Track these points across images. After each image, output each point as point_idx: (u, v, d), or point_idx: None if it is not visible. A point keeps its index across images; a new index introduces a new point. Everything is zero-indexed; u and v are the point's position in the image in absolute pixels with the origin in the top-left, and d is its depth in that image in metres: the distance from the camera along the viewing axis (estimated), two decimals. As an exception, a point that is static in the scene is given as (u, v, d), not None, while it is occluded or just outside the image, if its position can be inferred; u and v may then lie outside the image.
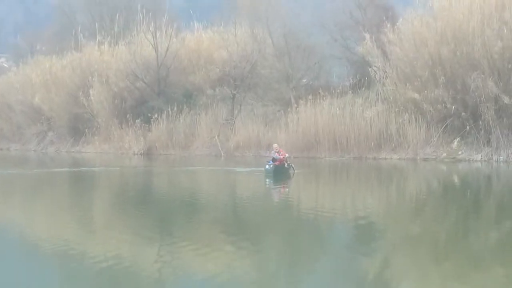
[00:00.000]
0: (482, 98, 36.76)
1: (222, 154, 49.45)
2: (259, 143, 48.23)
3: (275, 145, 32.13)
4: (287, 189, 27.01)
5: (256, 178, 31.92)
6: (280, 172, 29.87)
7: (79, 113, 60.81)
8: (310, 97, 45.54)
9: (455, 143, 38.83)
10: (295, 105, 46.52)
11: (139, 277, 11.12)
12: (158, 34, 56.98)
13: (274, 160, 30.37)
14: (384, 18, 44.22)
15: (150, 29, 57.29)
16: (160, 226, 17.04)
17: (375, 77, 44.05)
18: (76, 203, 23.24)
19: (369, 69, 44.46)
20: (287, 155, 31.07)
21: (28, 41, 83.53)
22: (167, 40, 56.63)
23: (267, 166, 30.79)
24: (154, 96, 56.11)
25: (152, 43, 56.69)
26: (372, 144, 41.86)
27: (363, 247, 13.95)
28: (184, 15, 68.90)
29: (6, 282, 10.83)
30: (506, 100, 36.16)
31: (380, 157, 41.23)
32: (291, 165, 30.48)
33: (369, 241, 14.53)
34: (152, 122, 54.32)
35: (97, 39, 63.18)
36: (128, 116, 55.91)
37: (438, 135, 39.47)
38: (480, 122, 37.36)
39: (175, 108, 53.36)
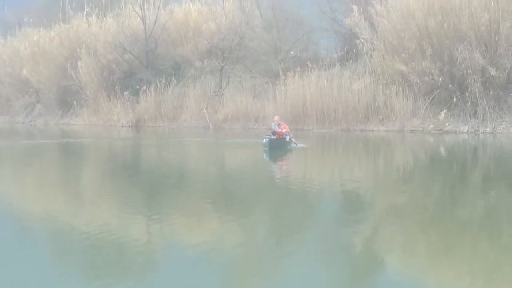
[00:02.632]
0: (469, 70, 36.86)
1: (211, 126, 49.53)
2: (247, 115, 48.34)
3: (276, 117, 30.64)
4: (278, 162, 26.84)
5: (245, 150, 32.01)
6: (275, 146, 28.52)
7: (67, 85, 60.75)
8: (298, 69, 45.63)
9: (442, 115, 38.99)
10: (283, 77, 46.57)
11: (128, 248, 11.14)
12: (146, 6, 56.83)
13: (274, 133, 29.23)
14: (372, -11, 44.24)
15: (138, 1, 57.12)
16: (148, 197, 17.10)
17: (362, 49, 43.99)
18: (64, 175, 23.27)
19: (357, 41, 44.40)
20: (287, 129, 29.77)
21: (15, 13, 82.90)
22: (155, 12, 56.53)
23: (264, 140, 29.47)
24: (142, 68, 56.06)
25: (140, 15, 56.55)
26: (360, 116, 42.00)
27: (351, 217, 14.05)
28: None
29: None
30: (492, 72, 36.29)
31: (367, 129, 41.37)
32: (292, 139, 29.44)
33: (357, 212, 14.65)
34: (140, 94, 54.31)
35: (85, 11, 62.99)
36: (116, 88, 55.89)
37: (425, 107, 39.62)
38: (467, 94, 37.52)
39: (163, 80, 53.34)
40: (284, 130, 29.51)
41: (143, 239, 11.93)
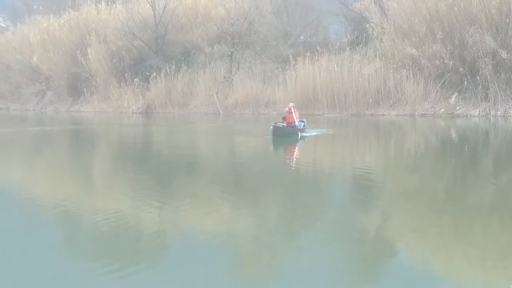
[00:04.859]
0: (479, 53, 36.72)
1: (221, 112, 49.54)
2: (257, 101, 48.30)
3: (291, 104, 29.45)
4: (288, 148, 26.56)
5: (256, 136, 31.88)
6: (280, 134, 27.26)
7: (77, 73, 60.86)
8: (308, 54, 45.58)
9: (453, 98, 38.88)
10: (293, 62, 46.54)
11: (139, 235, 11.11)
12: (155, -8, 56.83)
13: (284, 119, 28.37)
14: (382, -27, 44.05)
15: (147, -14, 57.12)
16: (160, 184, 17.07)
17: (372, 33, 43.87)
18: (75, 161, 23.30)
19: (367, 25, 44.31)
20: (297, 116, 28.47)
21: (25, 1, 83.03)
22: (164, -2, 56.48)
23: (271, 127, 27.65)
24: (152, 55, 56.09)
25: (149, 1, 56.49)
26: (370, 100, 41.94)
27: (362, 201, 14.00)
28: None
29: (6, 241, 10.89)
30: (503, 55, 36.13)
31: (378, 113, 41.29)
32: (304, 126, 28.61)
33: (368, 196, 14.58)
34: (150, 81, 54.41)
35: (94, -3, 63.05)
36: (126, 75, 55.98)
37: (436, 90, 39.49)
38: (478, 77, 37.37)
39: (173, 67, 53.41)
40: (294, 115, 28.78)
41: (155, 224, 11.93)
